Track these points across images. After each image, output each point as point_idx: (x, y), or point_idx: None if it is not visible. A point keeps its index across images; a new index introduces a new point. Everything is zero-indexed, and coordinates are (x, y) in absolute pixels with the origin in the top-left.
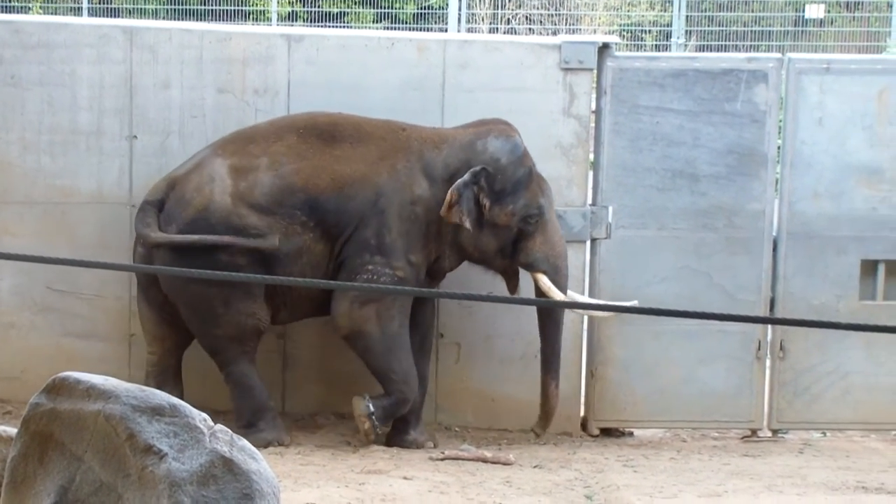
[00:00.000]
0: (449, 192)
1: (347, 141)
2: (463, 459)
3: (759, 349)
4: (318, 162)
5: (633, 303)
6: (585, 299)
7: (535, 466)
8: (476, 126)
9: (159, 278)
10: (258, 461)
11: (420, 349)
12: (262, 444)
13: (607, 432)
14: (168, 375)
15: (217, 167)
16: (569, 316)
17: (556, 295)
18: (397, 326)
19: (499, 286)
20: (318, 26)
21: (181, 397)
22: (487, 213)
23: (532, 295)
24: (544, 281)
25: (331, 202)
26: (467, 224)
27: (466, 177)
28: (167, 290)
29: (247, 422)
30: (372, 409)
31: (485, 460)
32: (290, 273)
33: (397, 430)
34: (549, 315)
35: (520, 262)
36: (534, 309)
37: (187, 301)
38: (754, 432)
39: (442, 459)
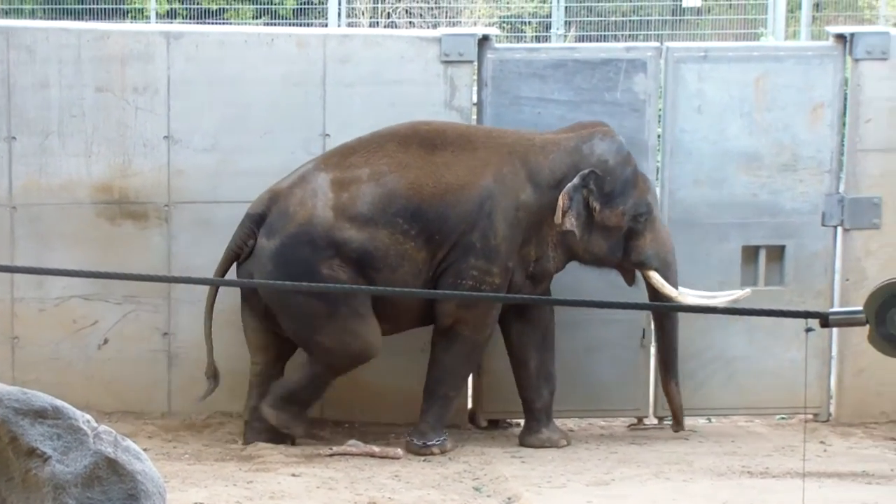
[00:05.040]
0: (560, 197)
1: (449, 148)
2: (351, 455)
3: (643, 337)
4: (419, 170)
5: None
6: (697, 295)
7: (423, 460)
8: (577, 130)
9: (260, 289)
10: (143, 461)
11: (542, 346)
12: (277, 422)
13: (495, 424)
14: (266, 385)
15: (320, 181)
16: None
17: (670, 291)
18: (485, 337)
19: None
20: (198, 23)
21: None
22: (598, 216)
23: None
24: (657, 278)
25: (433, 210)
26: (576, 230)
27: (576, 180)
28: (268, 300)
29: (281, 396)
30: (422, 442)
31: (373, 455)
32: (390, 283)
33: (528, 428)
34: (664, 315)
35: (631, 261)
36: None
37: (290, 312)
38: (640, 420)
39: (330, 455)
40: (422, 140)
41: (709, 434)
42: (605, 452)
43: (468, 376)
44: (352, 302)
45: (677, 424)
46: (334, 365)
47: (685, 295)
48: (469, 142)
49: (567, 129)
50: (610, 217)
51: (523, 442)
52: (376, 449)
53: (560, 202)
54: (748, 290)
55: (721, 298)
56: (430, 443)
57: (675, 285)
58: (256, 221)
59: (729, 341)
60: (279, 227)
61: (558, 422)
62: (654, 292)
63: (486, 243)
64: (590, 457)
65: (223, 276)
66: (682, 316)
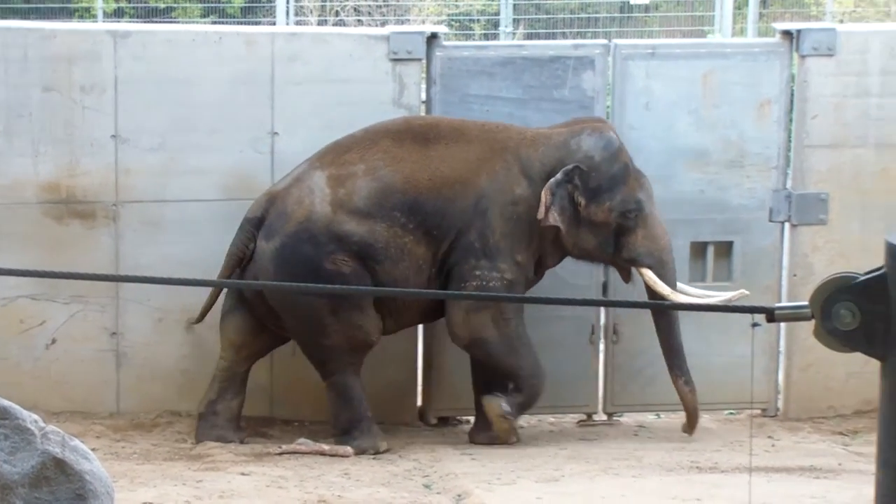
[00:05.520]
0: (542, 192)
1: (442, 142)
2: (301, 453)
3: (592, 333)
4: (414, 163)
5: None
6: (696, 293)
7: (373, 457)
8: (571, 125)
9: (265, 290)
10: (91, 461)
11: None
12: (357, 451)
13: (445, 421)
14: (234, 383)
15: (316, 179)
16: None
17: (663, 289)
18: (514, 326)
19: None
20: (145, 22)
21: (242, 406)
22: (583, 211)
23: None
24: (649, 275)
25: (430, 203)
26: (561, 225)
27: (559, 175)
28: (273, 302)
29: (342, 430)
30: (508, 408)
31: (322, 453)
32: (392, 278)
33: (478, 425)
34: (660, 312)
35: (623, 258)
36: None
37: (295, 312)
38: (590, 416)
39: (279, 454)
40: (415, 135)
41: (658, 430)
42: (554, 449)
43: (532, 363)
44: (353, 295)
45: (689, 427)
46: (346, 363)
47: (682, 293)
48: (462, 135)
49: (563, 124)
50: (596, 213)
51: (473, 439)
52: (326, 447)
53: (543, 197)
54: (744, 291)
55: (716, 298)
56: (509, 411)
57: (671, 284)
58: (255, 225)
59: None
60: (278, 228)
61: None
62: (650, 291)
63: (485, 243)
64: (539, 453)
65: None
66: (631, 313)
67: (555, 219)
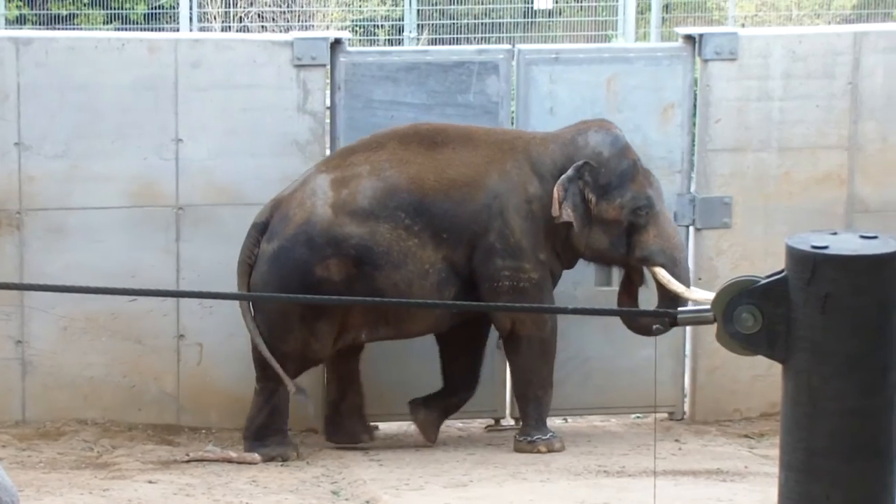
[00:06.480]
0: (555, 188)
1: (450, 145)
2: (208, 461)
3: (500, 338)
4: (420, 165)
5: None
6: (702, 292)
7: (281, 464)
8: (577, 125)
9: (249, 286)
10: None
11: (476, 350)
12: (265, 458)
13: None
14: (350, 380)
15: (320, 182)
16: None
17: (677, 287)
18: (548, 329)
19: None
20: (48, 29)
21: (363, 402)
22: (595, 209)
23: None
24: (663, 274)
25: (437, 205)
26: (574, 221)
27: (570, 172)
28: (252, 299)
29: (254, 435)
30: (525, 439)
31: (230, 461)
32: (392, 282)
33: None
34: (674, 303)
35: (636, 257)
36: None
37: (267, 310)
38: (497, 421)
39: (187, 461)
40: (422, 138)
41: (565, 434)
42: (462, 454)
43: (550, 371)
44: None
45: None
46: (287, 371)
47: (693, 292)
48: (470, 139)
49: (570, 125)
50: (607, 210)
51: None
52: (233, 454)
53: (555, 193)
54: None
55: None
56: (532, 439)
57: (685, 282)
58: (260, 230)
59: (584, 341)
60: (279, 231)
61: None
62: (662, 290)
63: (506, 243)
64: (447, 458)
65: (246, 290)
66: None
67: (568, 215)
